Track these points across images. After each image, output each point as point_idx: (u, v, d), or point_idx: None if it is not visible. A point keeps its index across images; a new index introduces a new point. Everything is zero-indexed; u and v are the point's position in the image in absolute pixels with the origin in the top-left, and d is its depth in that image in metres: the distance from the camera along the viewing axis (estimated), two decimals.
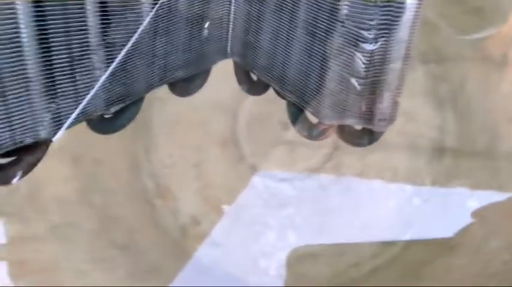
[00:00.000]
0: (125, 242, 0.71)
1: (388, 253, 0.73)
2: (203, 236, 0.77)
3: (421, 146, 0.77)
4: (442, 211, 0.72)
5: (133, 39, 0.36)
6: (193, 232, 0.78)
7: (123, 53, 0.35)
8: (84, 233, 0.67)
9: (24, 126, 0.32)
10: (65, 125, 0.35)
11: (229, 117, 0.81)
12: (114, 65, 0.35)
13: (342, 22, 0.36)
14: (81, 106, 0.34)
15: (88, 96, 0.35)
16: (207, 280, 0.74)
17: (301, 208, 0.78)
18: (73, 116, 0.36)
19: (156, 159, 0.80)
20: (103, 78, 0.34)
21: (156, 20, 0.38)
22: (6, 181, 0.37)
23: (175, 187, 0.79)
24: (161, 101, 0.79)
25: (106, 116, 0.40)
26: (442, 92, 0.76)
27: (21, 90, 0.31)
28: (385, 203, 0.76)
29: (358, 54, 0.35)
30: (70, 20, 0.32)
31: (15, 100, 0.31)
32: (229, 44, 0.44)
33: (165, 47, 0.40)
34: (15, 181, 0.37)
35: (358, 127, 0.38)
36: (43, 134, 0.34)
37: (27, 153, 0.35)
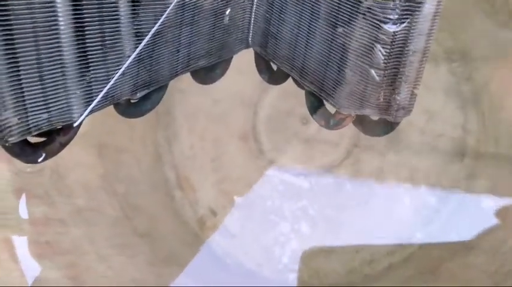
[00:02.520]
0: (145, 230, 0.73)
1: (404, 251, 0.73)
2: (220, 227, 0.79)
3: (442, 145, 0.77)
4: (460, 211, 0.71)
5: (156, 27, 0.38)
6: (210, 223, 0.80)
7: (146, 40, 0.37)
8: (106, 218, 0.69)
9: (60, 109, 0.34)
10: (90, 107, 0.37)
11: (249, 112, 0.82)
12: (137, 51, 0.37)
13: (363, 14, 0.37)
14: (105, 90, 0.36)
15: (112, 80, 0.37)
16: (221, 270, 0.75)
17: (317, 204, 0.79)
18: (97, 98, 0.38)
19: (177, 150, 0.82)
20: (129, 60, 0.36)
21: (182, 10, 0.40)
22: (36, 160, 0.39)
23: (195, 178, 0.81)
24: (183, 94, 0.81)
25: (132, 101, 0.42)
26: (466, 91, 0.76)
27: (57, 75, 0.33)
28: (403, 202, 0.76)
29: (378, 46, 0.36)
30: (103, 9, 0.35)
31: (51, 84, 0.33)
32: (250, 34, 0.46)
33: (189, 36, 0.42)
34: (42, 160, 0.39)
35: (375, 117, 0.39)
36: (76, 117, 0.36)
37: (60, 134, 0.38)
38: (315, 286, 0.76)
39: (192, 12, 0.41)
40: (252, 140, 0.82)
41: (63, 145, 0.40)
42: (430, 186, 0.76)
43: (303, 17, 0.41)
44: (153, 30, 0.37)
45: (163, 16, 0.37)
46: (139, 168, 0.79)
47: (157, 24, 0.37)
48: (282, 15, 0.42)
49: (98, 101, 0.38)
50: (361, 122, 0.41)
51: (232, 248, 0.78)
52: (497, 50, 0.70)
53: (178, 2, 0.39)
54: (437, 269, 0.63)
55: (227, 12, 0.42)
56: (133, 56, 0.37)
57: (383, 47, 0.36)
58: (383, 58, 0.36)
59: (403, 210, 0.76)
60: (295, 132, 0.81)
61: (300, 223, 0.78)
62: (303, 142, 0.81)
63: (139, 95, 0.41)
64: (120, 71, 0.37)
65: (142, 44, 0.38)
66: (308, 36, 0.40)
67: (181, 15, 0.40)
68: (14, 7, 0.30)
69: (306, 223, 0.78)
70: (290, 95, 0.77)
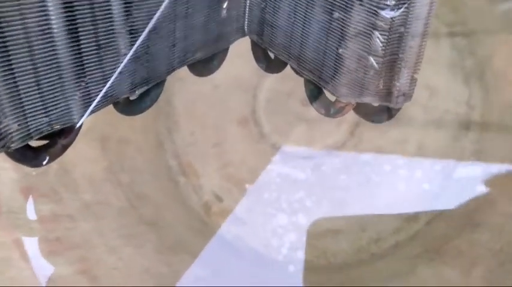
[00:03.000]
0: (152, 218, 0.75)
1: (410, 229, 0.74)
2: (225, 212, 0.80)
3: (446, 121, 0.77)
4: (465, 187, 0.72)
5: (151, 24, 0.37)
6: (216, 209, 0.81)
7: (141, 38, 0.37)
8: (113, 210, 0.71)
9: (59, 112, 0.35)
10: (90, 108, 0.38)
11: (249, 96, 0.82)
12: (133, 49, 0.37)
13: (360, 0, 0.36)
14: (103, 91, 0.36)
15: (109, 81, 0.37)
16: (229, 254, 0.77)
17: (322, 185, 0.79)
18: (97, 99, 0.38)
19: (178, 138, 0.82)
20: (123, 62, 0.36)
21: (175, 4, 0.40)
22: (40, 163, 0.40)
23: (198, 164, 0.82)
24: (182, 81, 0.81)
25: (131, 99, 0.42)
26: (469, 66, 0.75)
27: (54, 78, 0.33)
28: (408, 179, 0.77)
29: (376, 33, 0.36)
30: (96, 9, 0.34)
31: (49, 88, 0.33)
32: (246, 22, 0.45)
33: (184, 30, 0.42)
34: (45, 163, 0.40)
35: (376, 104, 0.39)
36: (76, 118, 0.36)
37: (61, 136, 0.38)
38: (323, 265, 0.77)
39: (186, 6, 0.41)
40: (252, 124, 0.82)
41: (65, 147, 0.40)
42: (435, 162, 0.77)
43: (298, 4, 0.40)
44: (148, 28, 0.37)
45: (158, 13, 0.37)
46: (142, 158, 0.80)
47: (152, 21, 0.37)
48: (277, 3, 0.42)
49: (97, 102, 0.38)
50: (361, 109, 0.41)
51: (239, 233, 0.79)
52: (501, 24, 0.68)
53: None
54: (442, 247, 0.64)
55: (225, 5, 0.42)
56: (129, 55, 0.37)
57: (381, 34, 0.35)
58: (381, 45, 0.36)
59: (407, 187, 0.77)
60: (296, 114, 0.81)
61: (306, 205, 0.79)
62: (305, 124, 0.81)
63: (137, 92, 0.41)
64: (118, 71, 0.37)
65: (138, 42, 0.37)
66: (304, 23, 0.40)
67: (174, 9, 0.40)
68: (4, 14, 0.30)
69: (311, 204, 0.79)
70: (289, 77, 0.77)
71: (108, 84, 0.38)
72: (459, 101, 0.75)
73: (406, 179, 0.77)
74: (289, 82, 0.80)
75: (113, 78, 0.38)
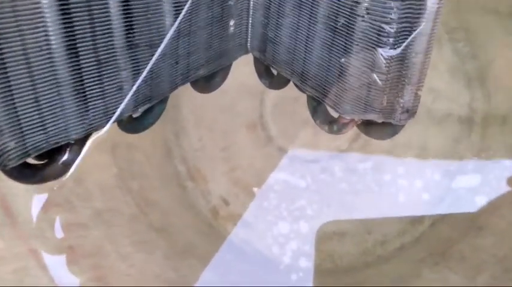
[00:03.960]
0: (161, 224, 0.74)
1: (415, 231, 0.73)
2: (234, 216, 0.79)
3: (449, 124, 0.75)
4: (469, 190, 0.70)
5: (158, 53, 0.36)
6: (223, 213, 0.80)
7: (149, 66, 0.35)
8: (124, 217, 0.70)
9: (57, 128, 0.33)
10: (92, 138, 0.37)
11: (256, 101, 0.81)
12: (139, 81, 0.36)
13: (362, 17, 0.35)
14: (113, 119, 0.35)
15: (117, 112, 0.36)
16: (237, 258, 0.76)
17: (327, 188, 0.78)
18: (111, 121, 0.37)
19: (186, 143, 0.81)
20: (130, 94, 0.35)
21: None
22: (44, 180, 0.38)
23: (206, 169, 0.81)
24: (189, 87, 0.80)
25: (134, 116, 0.41)
26: (471, 69, 0.73)
27: (52, 95, 0.32)
28: (413, 182, 0.75)
29: (380, 49, 0.34)
30: (95, 24, 0.33)
31: (47, 104, 0.32)
32: (249, 39, 0.44)
33: (187, 47, 0.41)
34: (51, 180, 0.39)
35: (379, 121, 0.37)
36: (74, 135, 0.35)
37: (61, 153, 0.37)
38: (330, 268, 0.76)
39: (189, 23, 0.39)
40: (259, 129, 0.81)
41: (68, 164, 0.39)
42: (439, 165, 0.75)
43: (301, 21, 0.39)
44: (152, 62, 0.36)
45: (164, 42, 0.36)
46: (150, 164, 0.79)
47: (156, 55, 0.36)
48: (280, 20, 0.40)
49: (100, 121, 0.37)
50: (365, 125, 0.40)
51: (247, 236, 0.78)
52: (502, 28, 0.66)
53: (175, 14, 0.37)
54: (447, 251, 0.63)
55: (231, 23, 0.40)
56: (140, 78, 0.36)
57: (384, 51, 0.34)
58: (385, 62, 0.34)
59: (413, 190, 0.75)
60: (302, 119, 0.80)
61: (311, 208, 0.78)
62: (311, 128, 0.80)
63: (140, 110, 0.40)
64: (124, 101, 0.36)
65: (150, 64, 0.36)
66: (307, 40, 0.39)
67: (177, 27, 0.39)
68: (2, 31, 0.29)
69: (316, 207, 0.78)
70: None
71: (121, 105, 0.36)
72: (462, 105, 0.73)
73: (411, 182, 0.76)
74: (295, 88, 0.78)
75: (124, 101, 0.36)
